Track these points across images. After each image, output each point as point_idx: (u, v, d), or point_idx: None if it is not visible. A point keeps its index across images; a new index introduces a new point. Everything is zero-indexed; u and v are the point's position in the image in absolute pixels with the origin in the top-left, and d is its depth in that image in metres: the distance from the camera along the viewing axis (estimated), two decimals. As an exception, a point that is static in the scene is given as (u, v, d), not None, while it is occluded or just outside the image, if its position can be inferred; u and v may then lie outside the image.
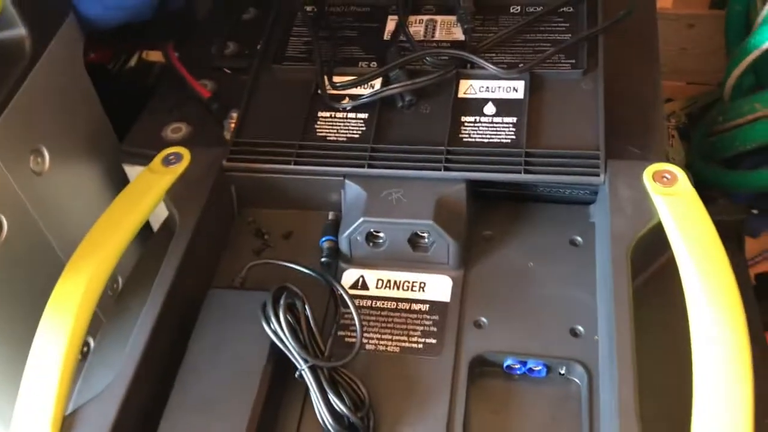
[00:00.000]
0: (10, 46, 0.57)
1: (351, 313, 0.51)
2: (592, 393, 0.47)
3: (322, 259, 0.55)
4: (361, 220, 0.53)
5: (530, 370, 0.49)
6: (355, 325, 0.50)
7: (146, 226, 0.58)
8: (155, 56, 0.88)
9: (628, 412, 0.41)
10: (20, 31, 0.56)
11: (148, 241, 0.62)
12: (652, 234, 0.49)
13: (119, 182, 0.66)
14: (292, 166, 0.57)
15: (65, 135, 0.62)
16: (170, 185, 0.56)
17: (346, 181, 0.56)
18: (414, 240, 0.54)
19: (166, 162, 0.58)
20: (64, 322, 0.47)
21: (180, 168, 0.57)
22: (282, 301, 0.47)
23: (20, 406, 0.44)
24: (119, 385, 0.45)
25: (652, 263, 0.52)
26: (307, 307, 0.48)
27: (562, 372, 0.49)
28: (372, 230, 0.54)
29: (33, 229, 0.59)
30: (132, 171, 0.66)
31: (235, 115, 0.62)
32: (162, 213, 0.58)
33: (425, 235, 0.53)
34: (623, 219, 0.50)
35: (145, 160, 0.61)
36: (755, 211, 0.79)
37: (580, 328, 0.50)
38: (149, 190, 0.55)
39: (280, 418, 0.47)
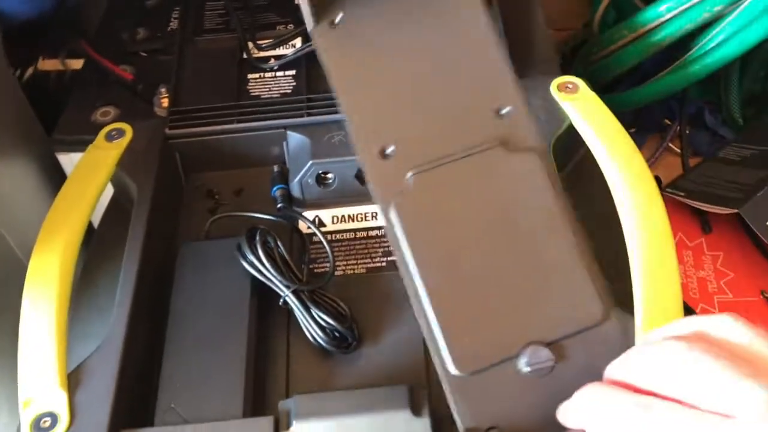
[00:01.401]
0: None
1: (318, 245, 0.55)
2: None
3: (279, 206, 0.59)
4: (311, 163, 0.58)
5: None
6: (323, 255, 0.55)
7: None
8: (50, 65, 0.87)
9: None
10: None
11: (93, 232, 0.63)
12: (564, 136, 0.57)
13: (55, 173, 0.67)
14: (233, 125, 0.61)
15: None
16: (118, 158, 0.58)
17: (288, 132, 0.60)
18: (360, 175, 0.59)
19: (109, 138, 0.59)
20: (49, 286, 0.48)
21: (124, 141, 0.59)
22: (257, 238, 0.51)
23: (23, 374, 0.45)
24: (116, 337, 0.47)
25: (566, 164, 0.59)
26: (279, 242, 0.52)
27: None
28: (321, 172, 0.58)
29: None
30: (67, 159, 0.66)
31: (164, 90, 0.65)
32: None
33: (370, 168, 0.59)
34: (540, 125, 0.57)
35: (79, 146, 0.62)
36: (633, 130, 0.90)
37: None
38: (100, 164, 0.57)
39: (270, 345, 0.51)
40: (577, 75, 0.59)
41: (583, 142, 0.56)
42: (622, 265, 0.49)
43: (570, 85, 0.59)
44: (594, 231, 0.53)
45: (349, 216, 0.59)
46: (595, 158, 0.54)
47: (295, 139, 0.60)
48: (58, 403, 0.44)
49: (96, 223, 0.63)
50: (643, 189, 0.50)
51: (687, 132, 0.87)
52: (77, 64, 0.76)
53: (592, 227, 0.52)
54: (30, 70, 0.85)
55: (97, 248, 0.60)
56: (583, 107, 0.57)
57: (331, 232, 0.58)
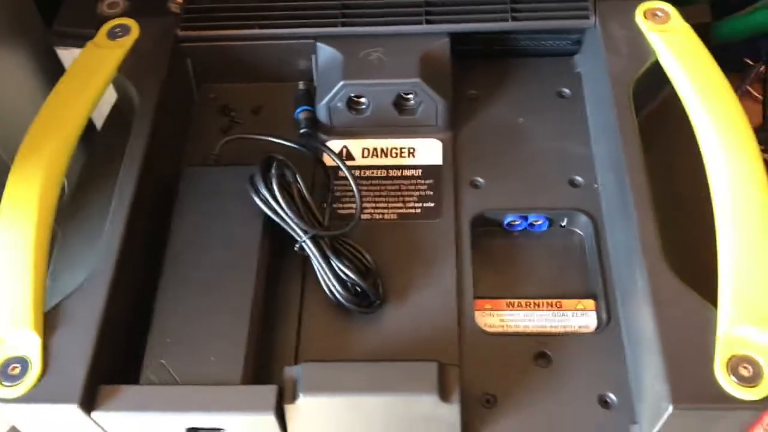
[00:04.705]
0: None
1: (343, 182, 0.47)
2: (599, 239, 0.46)
3: (302, 131, 0.51)
4: (341, 84, 0.49)
5: (531, 225, 0.48)
6: (349, 194, 0.47)
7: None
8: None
9: (652, 252, 0.39)
10: None
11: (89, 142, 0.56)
12: (648, 74, 0.48)
13: (52, 69, 0.59)
14: (256, 31, 0.52)
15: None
16: (121, 60, 0.50)
17: (318, 44, 0.51)
18: (399, 102, 0.50)
19: (112, 35, 0.51)
20: (27, 204, 0.41)
21: (129, 41, 0.51)
22: (273, 171, 0.43)
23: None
24: (103, 273, 0.40)
25: (647, 105, 0.50)
26: (298, 177, 0.44)
27: (563, 224, 0.48)
28: (353, 95, 0.50)
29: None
30: (67, 54, 0.59)
31: (180, -19, 0.56)
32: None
33: (410, 96, 0.50)
34: (620, 59, 0.47)
35: (81, 41, 0.54)
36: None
37: (579, 178, 0.49)
38: (99, 66, 0.49)
39: (280, 297, 0.44)
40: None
41: (667, 83, 0.46)
42: (701, 233, 0.41)
43: (660, 13, 0.49)
44: (671, 192, 0.45)
45: (382, 150, 0.51)
46: (684, 105, 0.45)
47: (325, 52, 0.51)
48: (30, 347, 0.38)
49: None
50: (741, 149, 0.41)
51: (772, 76, 0.76)
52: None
53: (670, 188, 0.44)
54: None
55: (93, 163, 0.53)
56: (673, 41, 0.47)
57: (359, 168, 0.50)
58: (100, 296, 0.40)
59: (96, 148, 0.54)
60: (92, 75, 0.48)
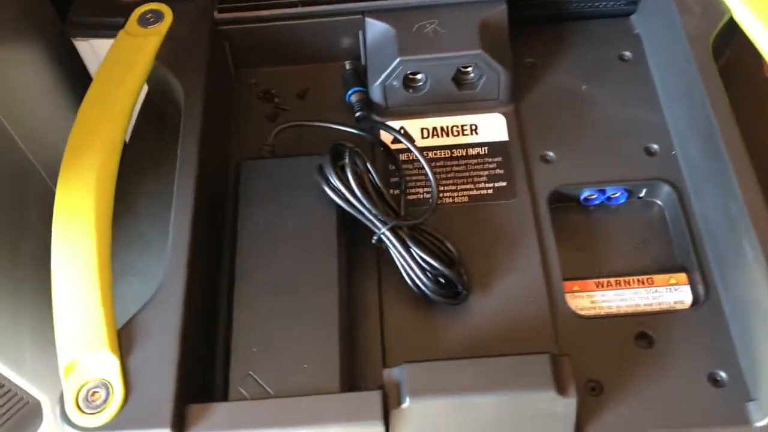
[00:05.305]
0: None
1: (409, 166, 0.44)
2: (685, 209, 0.44)
3: (357, 114, 0.48)
4: (398, 60, 0.46)
5: (608, 198, 0.46)
6: (419, 178, 0.44)
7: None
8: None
9: (762, 220, 0.37)
10: None
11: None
12: (721, 34, 0.45)
13: (71, 64, 0.55)
14: (298, 9, 0.48)
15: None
16: (157, 48, 0.46)
17: (367, 19, 0.48)
18: (458, 76, 0.47)
19: (144, 22, 0.47)
20: (85, 215, 0.38)
21: (163, 27, 0.47)
22: (346, 159, 0.40)
23: (61, 332, 0.36)
24: (174, 281, 0.37)
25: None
26: (369, 165, 0.41)
27: (641, 195, 0.46)
28: (409, 72, 0.47)
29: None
30: (85, 45, 0.54)
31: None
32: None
33: (470, 69, 0.47)
34: (694, 18, 0.45)
35: (99, 30, 0.51)
36: None
37: (654, 145, 0.46)
38: (136, 56, 0.45)
39: (358, 292, 0.41)
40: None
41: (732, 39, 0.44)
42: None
43: (731, -33, 0.46)
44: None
45: (442, 129, 0.48)
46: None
47: (375, 27, 0.48)
48: (109, 369, 0.35)
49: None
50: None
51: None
52: None
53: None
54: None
55: (131, 164, 0.49)
56: (750, -3, 0.45)
57: (421, 149, 0.47)
58: (175, 307, 0.37)
59: (130, 151, 0.51)
60: (130, 66, 0.45)
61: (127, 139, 0.50)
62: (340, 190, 0.40)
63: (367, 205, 0.40)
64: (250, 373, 0.36)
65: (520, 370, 0.35)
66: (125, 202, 0.48)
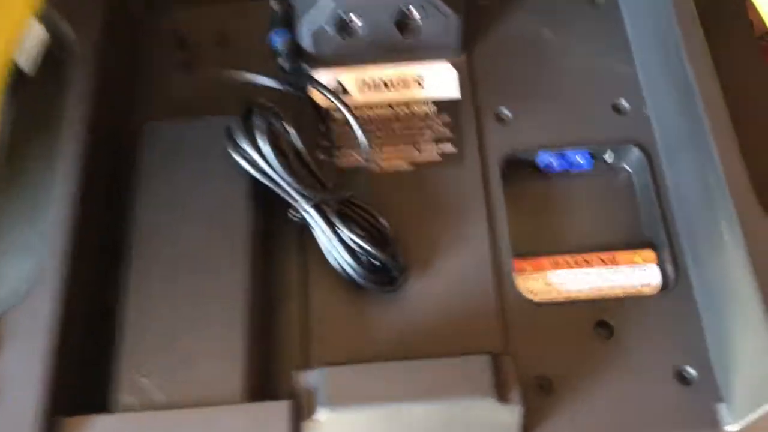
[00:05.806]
0: None
1: (339, 125, 0.38)
2: (656, 177, 0.38)
3: (281, 63, 0.41)
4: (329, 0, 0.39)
5: (570, 164, 0.40)
6: (348, 140, 0.38)
7: None
8: None
9: (741, 192, 0.32)
10: None
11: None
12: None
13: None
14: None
15: None
16: (43, -13, 0.39)
17: (295, -49, 0.41)
18: (401, 21, 0.41)
19: (27, -47, 0.40)
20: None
21: (51, -41, 0.40)
22: (258, 122, 0.34)
23: None
24: (50, 270, 0.31)
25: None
26: (288, 127, 0.35)
27: (607, 159, 0.40)
28: (343, 13, 0.40)
29: None
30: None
31: None
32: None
33: (415, 10, 0.40)
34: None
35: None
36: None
37: (624, 102, 0.40)
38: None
39: (276, 280, 0.36)
40: None
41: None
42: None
43: None
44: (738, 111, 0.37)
45: (383, 82, 0.41)
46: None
47: (305, -41, 0.41)
48: (-33, 375, 0.29)
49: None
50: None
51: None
52: None
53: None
54: None
55: (23, 119, 0.42)
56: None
57: (357, 106, 0.41)
58: (51, 302, 0.31)
59: (28, 100, 0.44)
60: (8, 8, 0.37)
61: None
62: (250, 156, 0.34)
63: (284, 175, 0.34)
64: (139, 377, 0.31)
65: (455, 374, 0.30)
66: (12, 167, 0.41)
